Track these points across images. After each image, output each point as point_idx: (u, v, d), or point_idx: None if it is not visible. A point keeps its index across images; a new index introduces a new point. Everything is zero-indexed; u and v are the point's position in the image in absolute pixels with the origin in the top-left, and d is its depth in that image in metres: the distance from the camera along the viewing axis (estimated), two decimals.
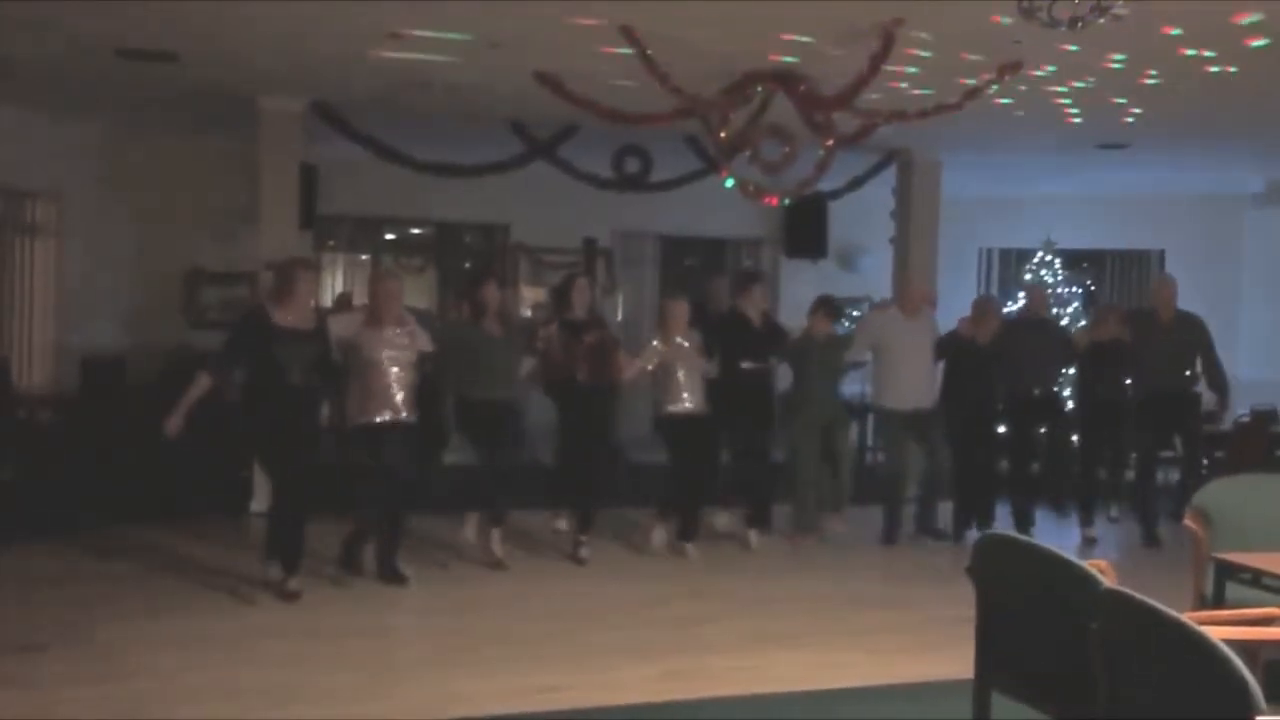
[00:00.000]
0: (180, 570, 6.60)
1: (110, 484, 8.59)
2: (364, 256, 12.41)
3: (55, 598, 6.01)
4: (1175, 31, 5.86)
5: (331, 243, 11.86)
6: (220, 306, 10.44)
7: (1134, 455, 8.55)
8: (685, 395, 7.27)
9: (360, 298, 9.11)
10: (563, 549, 7.25)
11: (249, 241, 8.92)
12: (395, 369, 6.30)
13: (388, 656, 5.31)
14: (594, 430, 7.23)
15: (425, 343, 6.52)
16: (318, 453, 6.18)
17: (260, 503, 8.21)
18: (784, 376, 8.08)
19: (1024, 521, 8.06)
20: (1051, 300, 11.48)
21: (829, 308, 7.98)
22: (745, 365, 7.63)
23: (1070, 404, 9.29)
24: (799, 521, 7.88)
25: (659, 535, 7.49)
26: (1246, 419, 10.17)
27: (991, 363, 8.08)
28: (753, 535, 7.68)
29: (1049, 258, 11.74)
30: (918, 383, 7.92)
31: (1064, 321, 11.23)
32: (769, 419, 7.87)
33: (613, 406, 7.40)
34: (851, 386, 8.89)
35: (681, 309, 7.41)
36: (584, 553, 7.10)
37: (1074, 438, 8.82)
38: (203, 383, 5.86)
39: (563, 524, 7.34)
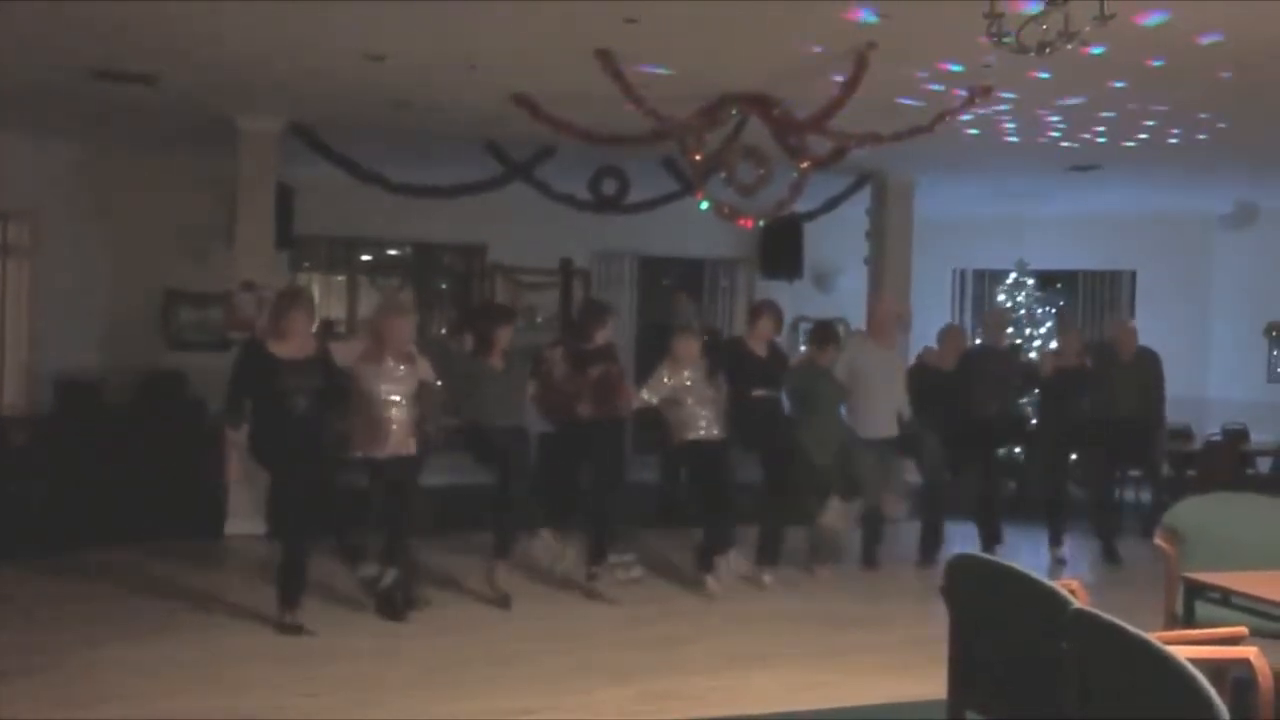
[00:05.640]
0: (154, 594, 6.56)
1: (84, 506, 8.52)
2: (340, 277, 12.40)
3: (26, 621, 5.94)
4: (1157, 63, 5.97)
5: (308, 263, 11.84)
6: (196, 327, 10.42)
7: (1094, 477, 8.71)
8: (701, 422, 7.03)
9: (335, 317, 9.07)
10: (541, 571, 7.18)
11: (226, 262, 8.90)
12: (394, 403, 6.19)
13: (366, 680, 5.27)
14: (603, 462, 7.02)
15: (426, 371, 6.38)
16: (332, 482, 6.11)
17: (235, 525, 8.18)
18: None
19: (991, 541, 8.09)
20: (1024, 321, 11.62)
21: (832, 335, 7.84)
22: (757, 393, 7.34)
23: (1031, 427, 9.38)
24: (817, 551, 7.71)
25: (728, 565, 7.07)
26: (1218, 438, 10.29)
27: (957, 388, 8.15)
28: (766, 576, 7.28)
29: (1022, 278, 11.88)
30: (886, 414, 7.78)
31: (1036, 342, 11.37)
32: (779, 448, 7.56)
33: (620, 438, 7.26)
34: None
35: (691, 345, 7.16)
36: (598, 585, 6.84)
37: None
38: (235, 438, 5.88)
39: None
